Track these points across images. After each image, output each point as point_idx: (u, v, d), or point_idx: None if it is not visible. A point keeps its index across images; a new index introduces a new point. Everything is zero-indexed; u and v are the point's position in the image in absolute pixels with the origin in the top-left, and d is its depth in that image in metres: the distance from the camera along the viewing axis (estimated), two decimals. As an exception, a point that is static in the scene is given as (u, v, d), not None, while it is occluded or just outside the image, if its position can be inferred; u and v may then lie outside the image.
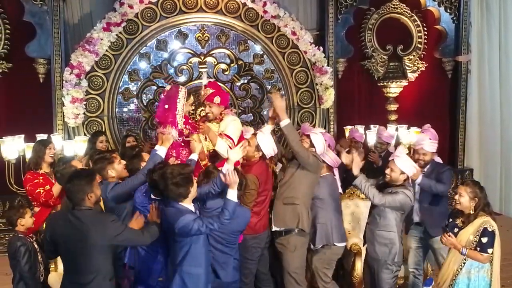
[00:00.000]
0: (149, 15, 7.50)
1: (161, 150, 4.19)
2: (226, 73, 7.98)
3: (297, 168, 4.58)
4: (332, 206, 4.73)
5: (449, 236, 4.02)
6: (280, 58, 7.99)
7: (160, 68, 7.73)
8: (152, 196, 3.92)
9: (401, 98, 8.76)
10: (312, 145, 4.66)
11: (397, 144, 6.94)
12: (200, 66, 7.82)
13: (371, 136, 7.30)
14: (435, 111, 8.99)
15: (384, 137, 6.45)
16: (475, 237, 4.02)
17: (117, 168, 4.22)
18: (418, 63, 8.85)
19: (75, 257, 3.37)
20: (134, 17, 7.41)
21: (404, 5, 8.71)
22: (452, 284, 4.15)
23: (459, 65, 9.00)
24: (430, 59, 8.98)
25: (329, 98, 8.05)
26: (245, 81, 8.08)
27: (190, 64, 7.83)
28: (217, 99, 4.89)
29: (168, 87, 4.83)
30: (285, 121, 4.49)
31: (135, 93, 7.69)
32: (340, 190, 5.16)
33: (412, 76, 8.82)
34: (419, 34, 8.85)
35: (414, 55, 8.82)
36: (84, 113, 7.31)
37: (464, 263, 4.10)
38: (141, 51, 7.62)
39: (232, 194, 3.65)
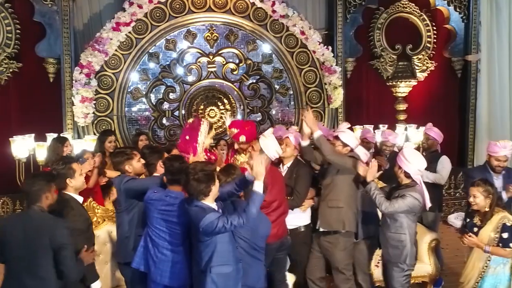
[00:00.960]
0: (158, 14, 7.52)
1: None
2: (235, 72, 7.99)
3: (337, 171, 4.66)
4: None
5: (469, 236, 4.14)
6: (288, 57, 7.99)
7: (169, 68, 7.76)
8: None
9: (410, 97, 8.73)
10: (345, 145, 4.72)
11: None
12: (208, 66, 7.84)
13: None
14: (444, 110, 8.97)
15: (368, 137, 6.42)
16: (496, 233, 4.12)
17: (134, 165, 4.28)
18: (427, 63, 8.82)
19: (24, 258, 3.34)
20: (143, 17, 7.44)
21: (413, 4, 8.68)
22: (478, 281, 4.23)
23: (468, 65, 8.95)
24: (440, 59, 8.95)
25: (337, 97, 8.04)
26: (254, 81, 8.09)
27: (198, 64, 7.85)
28: (242, 138, 4.96)
29: (191, 120, 4.93)
30: (317, 133, 4.59)
31: (144, 92, 7.71)
32: None
33: (421, 75, 8.79)
34: (428, 34, 8.82)
35: (423, 55, 8.79)
36: (93, 113, 7.34)
37: (489, 260, 4.19)
38: (150, 51, 7.65)
39: (259, 186, 3.56)
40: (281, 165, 5.03)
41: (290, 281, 4.85)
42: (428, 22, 8.78)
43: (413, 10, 8.71)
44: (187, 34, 7.79)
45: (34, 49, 7.32)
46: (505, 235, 4.07)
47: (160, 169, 4.33)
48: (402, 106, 8.65)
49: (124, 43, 7.43)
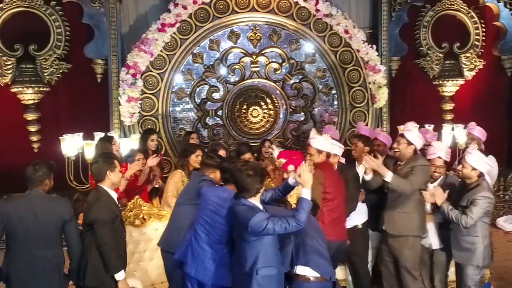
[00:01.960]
0: (202, 15, 7.60)
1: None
2: (278, 72, 7.99)
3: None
4: None
5: None
6: (332, 57, 7.93)
7: (213, 68, 7.83)
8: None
9: (457, 97, 8.55)
10: (409, 143, 4.69)
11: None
12: (251, 65, 7.87)
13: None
14: (493, 110, 8.73)
15: (428, 138, 6.25)
16: None
17: (217, 175, 4.35)
18: (475, 61, 8.58)
19: (36, 233, 3.80)
20: (188, 18, 7.53)
21: (461, 1, 8.47)
22: None
23: (518, 62, 8.68)
24: (488, 57, 8.70)
25: (382, 97, 7.93)
26: (297, 80, 8.07)
27: (242, 64, 7.89)
28: (291, 167, 4.98)
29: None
30: (388, 176, 4.53)
31: (188, 92, 7.81)
32: None
33: (469, 74, 8.56)
34: (477, 31, 8.57)
35: (471, 53, 8.55)
36: (139, 112, 7.48)
37: None
38: (194, 51, 7.74)
39: (307, 193, 3.58)
40: None
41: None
42: (476, 19, 8.54)
43: (461, 7, 8.49)
44: (231, 34, 7.84)
45: (83, 51, 7.52)
46: None
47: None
48: (448, 106, 8.47)
49: (169, 43, 7.54)
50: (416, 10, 8.39)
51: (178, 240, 4.20)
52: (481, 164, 4.37)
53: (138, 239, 4.86)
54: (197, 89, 7.86)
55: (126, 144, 6.51)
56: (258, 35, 7.90)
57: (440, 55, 8.47)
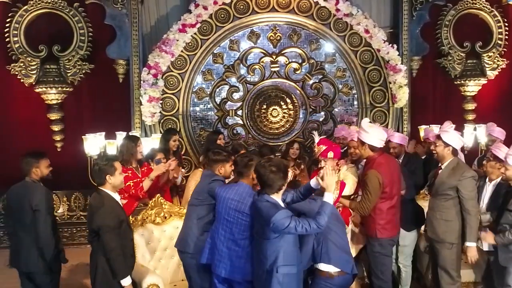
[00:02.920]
0: (222, 16, 7.64)
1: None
2: (298, 72, 8.00)
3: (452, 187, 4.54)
4: None
5: None
6: (352, 56, 7.91)
7: (233, 68, 7.86)
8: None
9: (479, 97, 8.45)
10: (446, 145, 4.55)
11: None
12: (271, 65, 7.89)
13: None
14: (517, 110, 8.58)
15: (431, 137, 6.22)
16: None
17: (227, 169, 4.39)
18: (498, 61, 8.46)
19: (18, 216, 4.40)
20: (208, 18, 7.58)
21: (484, 0, 8.36)
22: None
23: (543, 62, 8.53)
24: (511, 56, 8.57)
25: (402, 97, 7.87)
26: (317, 80, 8.06)
27: (262, 64, 7.91)
28: (330, 154, 5.00)
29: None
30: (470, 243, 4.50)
31: (208, 92, 7.86)
32: None
33: (491, 74, 8.45)
34: (500, 30, 8.45)
35: (494, 52, 8.43)
36: (160, 112, 7.56)
37: None
38: (215, 51, 7.79)
39: (329, 197, 3.57)
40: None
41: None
42: (499, 18, 8.42)
43: (483, 6, 8.38)
44: (251, 35, 7.87)
45: (105, 51, 7.62)
46: None
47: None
48: (470, 106, 8.38)
49: (190, 44, 7.60)
50: (437, 9, 8.31)
51: (193, 241, 4.25)
52: None
53: (159, 237, 4.90)
54: (217, 89, 7.91)
55: (147, 144, 6.59)
56: (278, 35, 7.92)
57: (462, 54, 8.37)
